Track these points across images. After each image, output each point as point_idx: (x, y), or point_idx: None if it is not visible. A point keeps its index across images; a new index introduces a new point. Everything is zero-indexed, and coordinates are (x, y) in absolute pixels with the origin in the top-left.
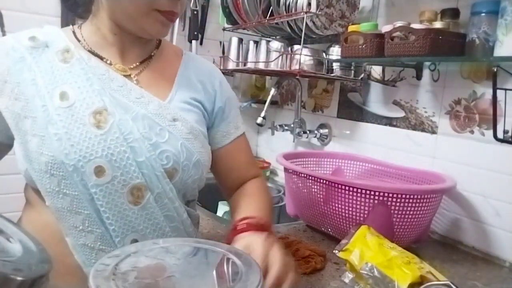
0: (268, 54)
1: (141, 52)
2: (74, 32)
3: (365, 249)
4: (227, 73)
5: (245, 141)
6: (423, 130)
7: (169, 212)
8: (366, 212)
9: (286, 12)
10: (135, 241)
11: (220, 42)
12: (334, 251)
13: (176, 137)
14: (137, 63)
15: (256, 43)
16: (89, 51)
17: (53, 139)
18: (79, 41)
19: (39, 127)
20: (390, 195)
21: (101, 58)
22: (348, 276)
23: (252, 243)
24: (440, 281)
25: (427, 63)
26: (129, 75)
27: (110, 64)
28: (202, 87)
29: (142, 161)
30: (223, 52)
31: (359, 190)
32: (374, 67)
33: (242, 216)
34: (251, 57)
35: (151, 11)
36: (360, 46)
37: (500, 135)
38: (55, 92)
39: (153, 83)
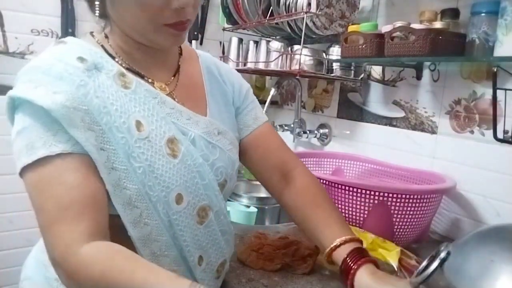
0: (268, 54)
1: (171, 63)
2: (103, 47)
3: None
4: None
5: (272, 129)
6: (423, 130)
7: (223, 226)
8: (366, 212)
9: (286, 12)
10: (201, 258)
11: (220, 42)
12: (316, 247)
13: (223, 150)
14: (171, 78)
15: (256, 43)
16: (128, 69)
17: (137, 172)
18: (113, 58)
19: (120, 160)
20: (390, 195)
21: (141, 75)
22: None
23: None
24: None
25: (427, 63)
26: (170, 93)
27: (152, 82)
28: (226, 87)
29: (206, 183)
30: (223, 52)
31: (359, 190)
32: (374, 67)
33: (340, 239)
34: (251, 57)
35: (160, 27)
36: (360, 46)
37: (500, 135)
38: (130, 122)
39: (189, 98)
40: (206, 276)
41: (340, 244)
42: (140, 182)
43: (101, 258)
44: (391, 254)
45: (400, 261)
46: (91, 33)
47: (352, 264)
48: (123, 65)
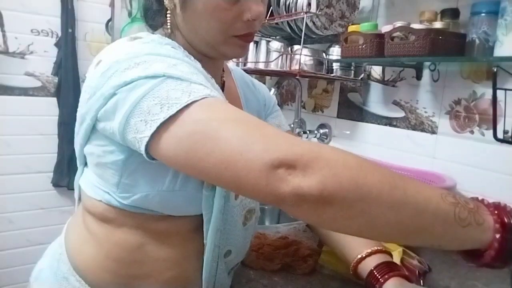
0: (268, 54)
1: (219, 76)
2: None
3: None
4: None
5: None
6: (423, 130)
7: (253, 230)
8: None
9: (286, 12)
10: (229, 252)
11: None
12: (323, 249)
13: None
14: (223, 92)
15: (256, 43)
16: None
17: None
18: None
19: None
20: None
21: None
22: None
23: None
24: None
25: (427, 63)
26: None
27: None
28: (258, 101)
29: None
30: None
31: None
32: (374, 67)
33: (366, 251)
34: (251, 57)
35: (230, 38)
36: (360, 46)
37: (500, 135)
38: None
39: None
40: (225, 270)
41: (366, 256)
42: None
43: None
44: (393, 254)
45: (402, 260)
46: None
47: (379, 277)
48: None
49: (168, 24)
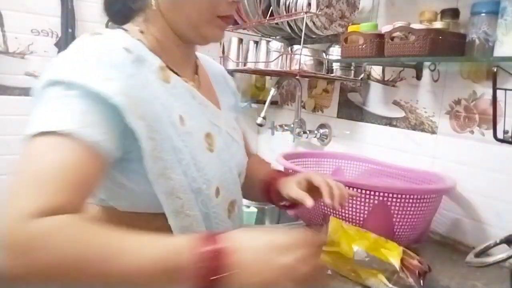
0: (268, 54)
1: (192, 62)
2: (141, 42)
3: (349, 238)
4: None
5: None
6: (423, 130)
7: (240, 220)
8: (366, 212)
9: (286, 12)
10: None
11: (220, 42)
12: (323, 249)
13: (239, 144)
14: (195, 76)
15: (256, 43)
16: (166, 66)
17: (181, 163)
18: (155, 54)
19: (165, 151)
20: (390, 195)
21: (177, 74)
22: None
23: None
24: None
25: (427, 63)
26: (198, 90)
27: (186, 81)
28: (229, 89)
29: (234, 177)
30: (223, 52)
31: (359, 190)
32: (374, 67)
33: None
34: (251, 57)
35: (214, 18)
36: (360, 46)
37: (500, 135)
38: (174, 116)
39: (208, 95)
40: None
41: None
42: (183, 173)
43: (65, 228)
44: (393, 254)
45: (402, 260)
46: (122, 28)
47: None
48: (161, 62)
49: (153, 6)
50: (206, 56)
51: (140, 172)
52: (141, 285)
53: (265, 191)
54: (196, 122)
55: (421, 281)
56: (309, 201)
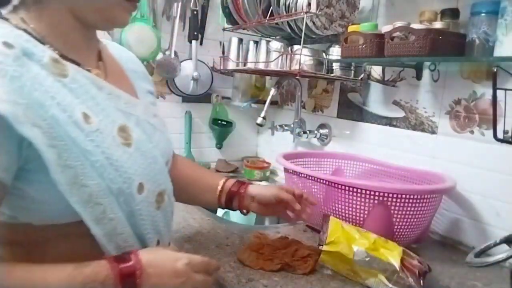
0: (268, 54)
1: (95, 48)
2: (26, 31)
3: (349, 238)
4: (227, 73)
5: None
6: (423, 130)
7: (172, 207)
8: (366, 212)
9: (286, 12)
10: (158, 242)
11: (220, 42)
12: (319, 247)
13: (162, 132)
14: (99, 62)
15: (256, 43)
16: (60, 55)
17: (95, 166)
18: (42, 43)
19: (74, 156)
20: (390, 195)
21: (76, 63)
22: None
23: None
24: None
25: (427, 63)
26: (106, 79)
27: (89, 70)
28: (143, 74)
29: (159, 167)
30: (223, 52)
31: (359, 190)
32: (374, 67)
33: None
34: (251, 57)
35: (121, 1)
36: (360, 46)
37: (500, 135)
38: (76, 115)
39: (119, 83)
40: None
41: (225, 183)
42: (99, 176)
43: None
44: (393, 254)
45: (402, 260)
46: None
47: (241, 185)
48: (55, 52)
49: None
50: (112, 42)
51: (48, 182)
52: None
53: (228, 196)
54: (105, 117)
55: (421, 281)
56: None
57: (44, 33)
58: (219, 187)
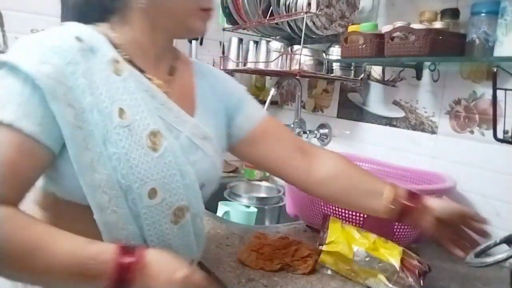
0: (268, 54)
1: (169, 62)
2: (107, 36)
3: (349, 238)
4: (227, 73)
5: (275, 120)
6: (423, 130)
7: (198, 230)
8: None
9: (286, 12)
10: None
11: (220, 42)
12: (319, 247)
13: (207, 155)
14: (168, 77)
15: (256, 43)
16: (130, 62)
17: (112, 158)
18: (116, 48)
19: (95, 143)
20: None
21: (141, 70)
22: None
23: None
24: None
25: (427, 63)
26: (166, 91)
27: (150, 79)
28: (219, 93)
29: (187, 183)
30: (223, 52)
31: None
32: (374, 67)
33: (393, 191)
34: (251, 57)
35: (196, 11)
36: (360, 46)
37: (500, 135)
38: (113, 108)
39: (181, 99)
40: None
41: (396, 190)
42: (112, 168)
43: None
44: (393, 254)
45: (402, 261)
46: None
47: (415, 195)
48: (125, 57)
49: (142, 4)
50: (202, 62)
51: (68, 158)
52: (60, 282)
53: (402, 207)
54: (141, 118)
55: (421, 281)
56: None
57: (122, 41)
58: (390, 194)
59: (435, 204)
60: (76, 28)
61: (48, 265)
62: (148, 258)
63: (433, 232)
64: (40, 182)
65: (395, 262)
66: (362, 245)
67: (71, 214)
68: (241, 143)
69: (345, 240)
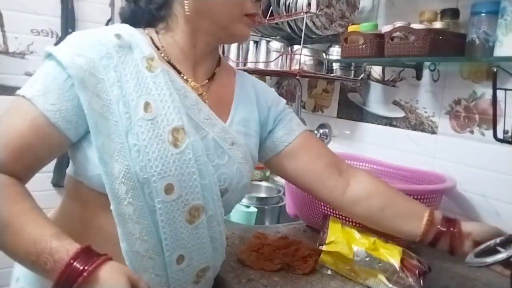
0: (268, 54)
1: (209, 68)
2: (152, 39)
3: (350, 238)
4: None
5: (313, 136)
6: (423, 130)
7: (215, 234)
8: None
9: (286, 12)
10: (181, 257)
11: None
12: (319, 247)
13: (233, 160)
14: (206, 81)
15: (256, 43)
16: (168, 62)
17: (132, 149)
18: (158, 49)
19: (118, 133)
20: None
21: (179, 72)
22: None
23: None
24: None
25: (427, 63)
26: (200, 93)
27: (187, 80)
28: (257, 104)
29: (205, 183)
30: (223, 52)
31: None
32: (374, 67)
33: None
34: (251, 57)
35: (241, 17)
36: (360, 46)
37: (500, 135)
38: (140, 101)
39: (216, 103)
40: (183, 277)
41: (433, 214)
42: (132, 160)
43: None
44: (393, 254)
45: (402, 261)
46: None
47: (451, 220)
48: (165, 58)
49: (186, 11)
50: (247, 74)
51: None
52: (22, 263)
53: (438, 231)
54: (166, 114)
55: (421, 281)
56: None
57: (164, 43)
58: (427, 218)
59: (472, 228)
60: (120, 27)
61: (13, 246)
62: (101, 272)
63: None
64: (70, 169)
65: (395, 262)
66: (362, 245)
67: (95, 203)
68: (278, 156)
69: (345, 240)
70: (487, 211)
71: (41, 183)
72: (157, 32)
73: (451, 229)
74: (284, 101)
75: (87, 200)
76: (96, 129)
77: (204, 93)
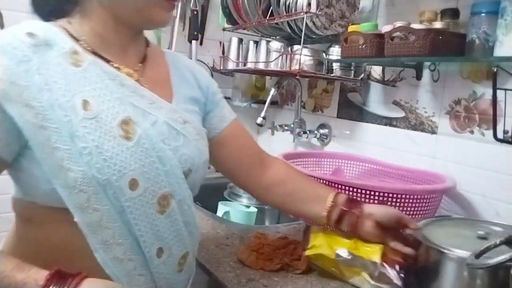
0: (268, 54)
1: (138, 52)
2: (67, 30)
3: (331, 240)
4: (227, 73)
5: (242, 125)
6: (423, 130)
7: (187, 217)
8: None
9: (286, 12)
10: (160, 250)
11: (220, 42)
12: (303, 252)
13: (189, 139)
14: (139, 64)
15: (256, 43)
16: (93, 52)
17: (82, 153)
18: (78, 41)
19: (63, 140)
20: (390, 195)
21: (107, 60)
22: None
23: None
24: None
25: (427, 63)
26: (137, 79)
27: (118, 68)
28: (195, 83)
29: (168, 169)
30: (223, 52)
31: (359, 190)
32: (374, 67)
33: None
34: (251, 57)
35: (159, 1)
36: (360, 46)
37: (500, 135)
38: (76, 101)
39: (155, 86)
40: (166, 269)
41: (336, 196)
42: (86, 163)
43: None
44: (373, 251)
45: (383, 256)
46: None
47: (355, 202)
48: (88, 48)
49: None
50: (176, 52)
51: (39, 161)
52: None
53: (341, 213)
54: (109, 108)
55: (403, 274)
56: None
57: (82, 33)
58: (330, 200)
59: (374, 209)
60: (30, 24)
61: None
62: None
63: (372, 236)
64: (17, 193)
65: (376, 258)
66: (343, 245)
67: (53, 220)
68: (209, 141)
69: (326, 243)
70: (487, 211)
71: None
72: (70, 23)
73: (352, 210)
74: (216, 84)
75: (42, 219)
76: (37, 142)
77: (140, 78)
